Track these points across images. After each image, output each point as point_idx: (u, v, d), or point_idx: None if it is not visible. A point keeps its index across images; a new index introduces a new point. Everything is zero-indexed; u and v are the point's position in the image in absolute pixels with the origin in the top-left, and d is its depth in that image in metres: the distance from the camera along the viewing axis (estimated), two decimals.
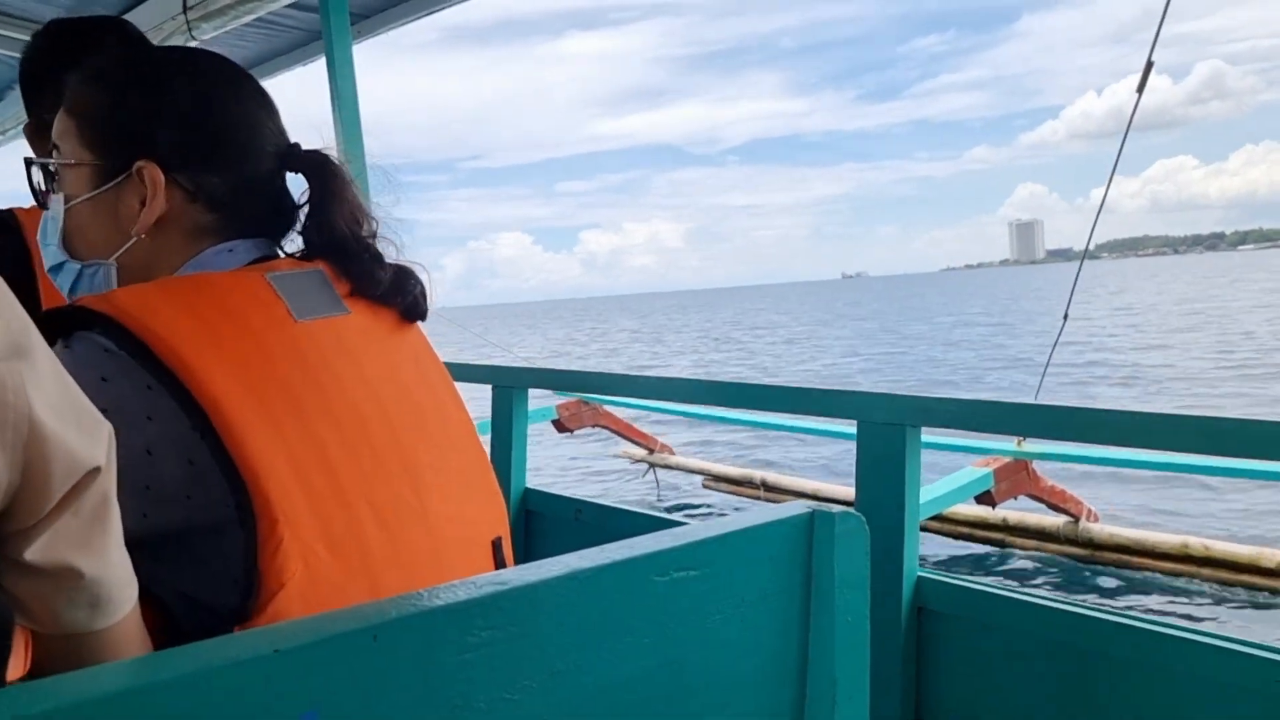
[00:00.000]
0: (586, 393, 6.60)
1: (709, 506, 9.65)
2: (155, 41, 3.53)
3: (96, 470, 0.61)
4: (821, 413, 1.89)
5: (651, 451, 9.78)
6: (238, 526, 0.85)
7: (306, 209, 1.07)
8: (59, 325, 0.90)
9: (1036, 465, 6.26)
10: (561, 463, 12.75)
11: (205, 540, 0.86)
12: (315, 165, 1.07)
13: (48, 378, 0.59)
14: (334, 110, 3.07)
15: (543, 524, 2.24)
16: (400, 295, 1.07)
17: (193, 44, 3.52)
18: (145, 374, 0.86)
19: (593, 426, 8.91)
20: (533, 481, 2.43)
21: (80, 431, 0.60)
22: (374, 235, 1.08)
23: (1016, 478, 6.15)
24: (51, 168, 1.04)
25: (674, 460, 9.82)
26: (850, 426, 1.76)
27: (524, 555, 2.30)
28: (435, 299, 1.12)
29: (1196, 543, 6.62)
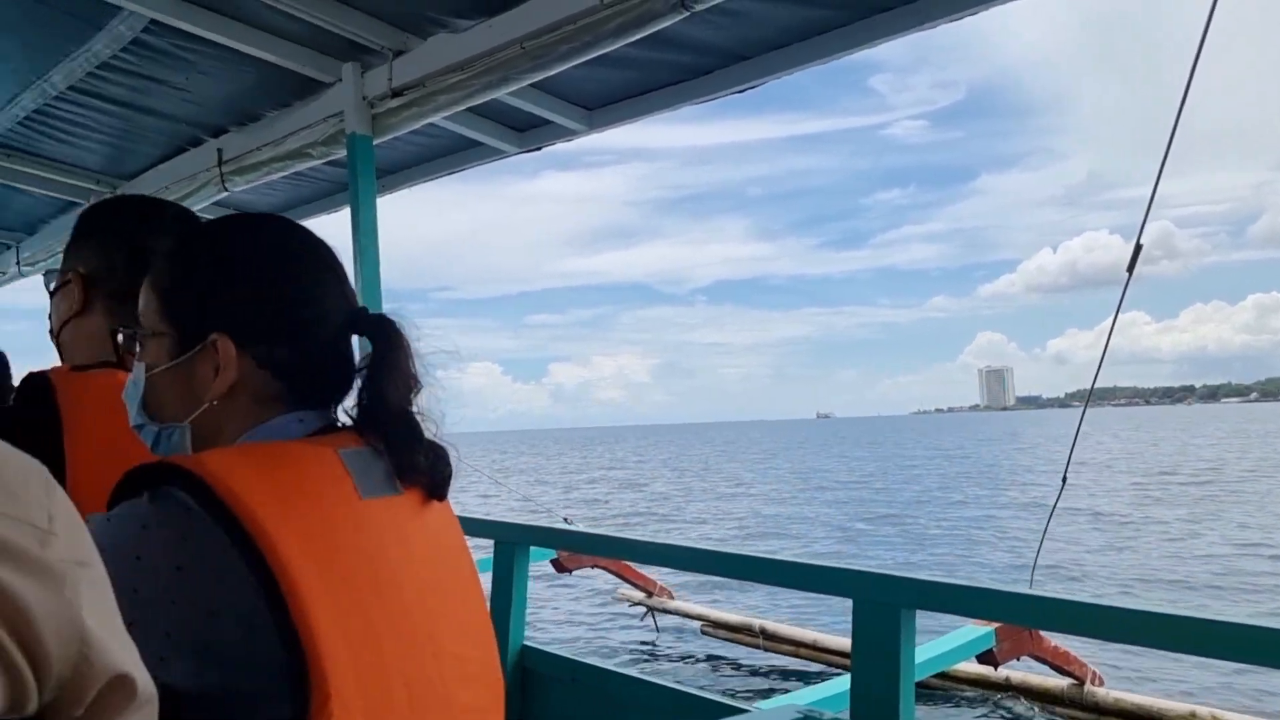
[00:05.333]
0: (589, 553, 6.59)
1: (708, 656, 9.46)
2: (189, 191, 3.71)
3: (126, 676, 0.65)
4: (816, 589, 1.91)
5: (650, 594, 9.66)
6: (287, 696, 0.87)
7: (365, 373, 1.12)
8: (147, 479, 0.94)
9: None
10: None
11: (253, 705, 0.88)
12: (378, 329, 1.13)
13: (100, 586, 0.64)
14: (355, 258, 3.18)
15: (539, 683, 2.22)
16: (430, 475, 1.11)
17: (224, 195, 3.69)
18: (222, 535, 0.89)
19: (591, 568, 8.84)
20: (531, 635, 2.43)
21: (115, 638, 0.65)
22: (417, 401, 1.12)
23: (1019, 638, 6.07)
24: (129, 336, 1.13)
25: (672, 605, 9.69)
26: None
27: (519, 716, 2.29)
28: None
29: (1205, 711, 6.47)
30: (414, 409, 1.12)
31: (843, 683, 5.65)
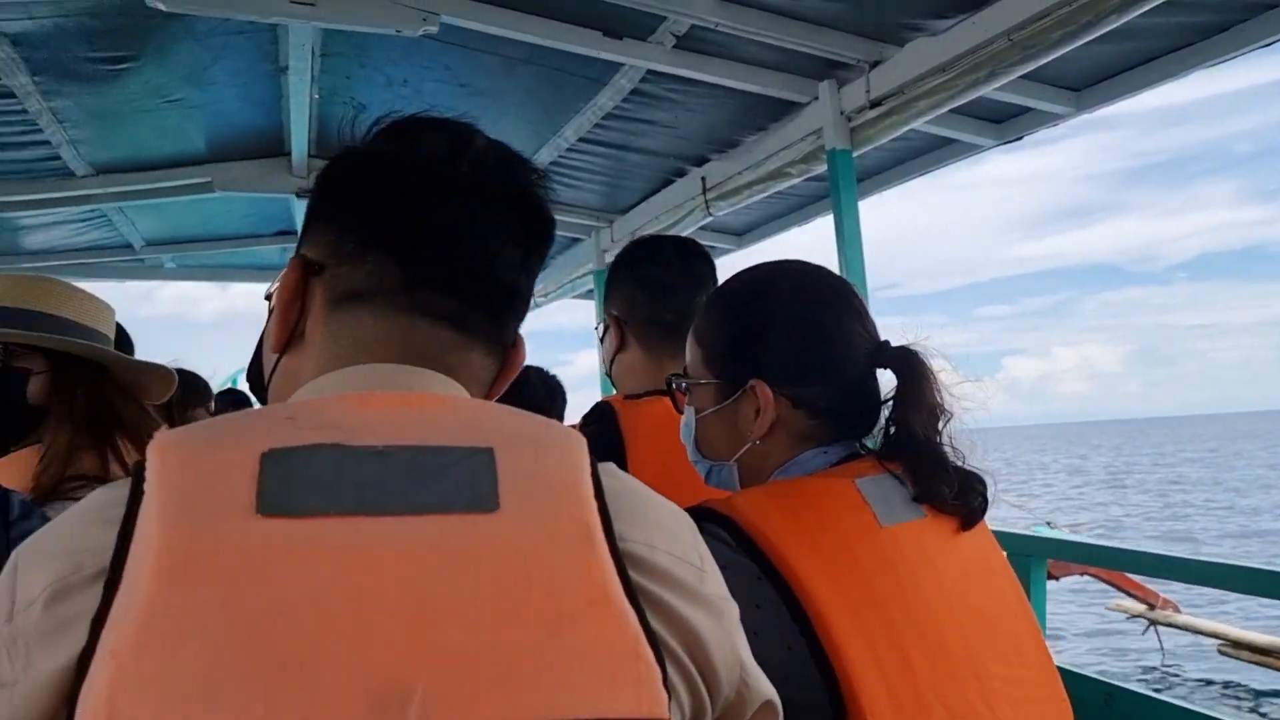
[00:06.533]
0: (1108, 567, 6.03)
1: (1229, 681, 8.36)
2: (677, 219, 4.03)
3: (773, 703, 0.72)
4: None
5: (1152, 607, 8.75)
6: (829, 715, 0.92)
7: (891, 405, 1.17)
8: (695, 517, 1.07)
9: None
10: None
11: (798, 716, 0.94)
12: (901, 362, 1.17)
13: (739, 620, 0.72)
14: (841, 269, 3.21)
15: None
16: (961, 503, 1.11)
17: (708, 219, 3.95)
18: (755, 568, 0.98)
19: (1080, 575, 8.23)
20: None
21: (757, 667, 0.72)
22: (945, 430, 1.14)
23: None
24: (684, 385, 1.27)
25: (1179, 619, 8.69)
26: None
27: None
28: None
29: None
30: (941, 439, 1.13)
31: None
